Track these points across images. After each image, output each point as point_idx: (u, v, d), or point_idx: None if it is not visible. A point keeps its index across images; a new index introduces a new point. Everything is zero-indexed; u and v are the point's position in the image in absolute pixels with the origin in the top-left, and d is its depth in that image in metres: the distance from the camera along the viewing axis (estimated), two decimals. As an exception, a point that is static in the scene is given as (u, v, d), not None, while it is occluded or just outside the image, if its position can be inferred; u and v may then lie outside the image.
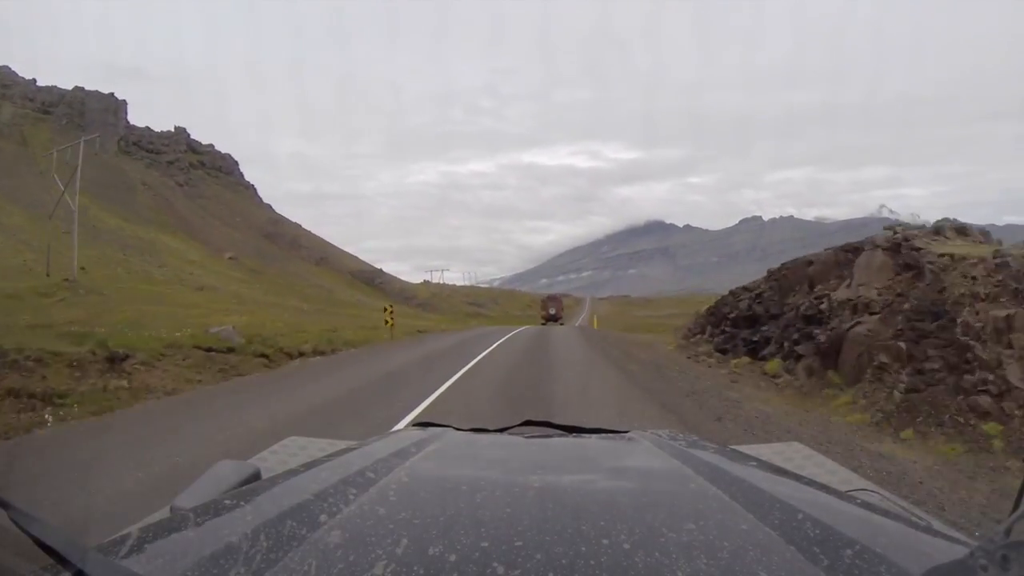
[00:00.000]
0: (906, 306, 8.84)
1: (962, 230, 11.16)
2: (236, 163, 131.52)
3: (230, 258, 77.32)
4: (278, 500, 0.86)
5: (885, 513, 0.89)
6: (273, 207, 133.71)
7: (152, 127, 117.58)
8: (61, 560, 0.57)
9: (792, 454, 1.67)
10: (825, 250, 13.31)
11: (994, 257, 8.15)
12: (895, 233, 11.17)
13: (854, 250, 12.03)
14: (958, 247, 9.51)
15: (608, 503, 0.87)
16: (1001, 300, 7.49)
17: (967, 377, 7.02)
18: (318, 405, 7.40)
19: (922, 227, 12.09)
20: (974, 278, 7.98)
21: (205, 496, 0.96)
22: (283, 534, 0.74)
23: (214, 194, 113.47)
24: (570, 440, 1.41)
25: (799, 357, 10.67)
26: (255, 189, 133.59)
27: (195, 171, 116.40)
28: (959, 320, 7.62)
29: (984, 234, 11.37)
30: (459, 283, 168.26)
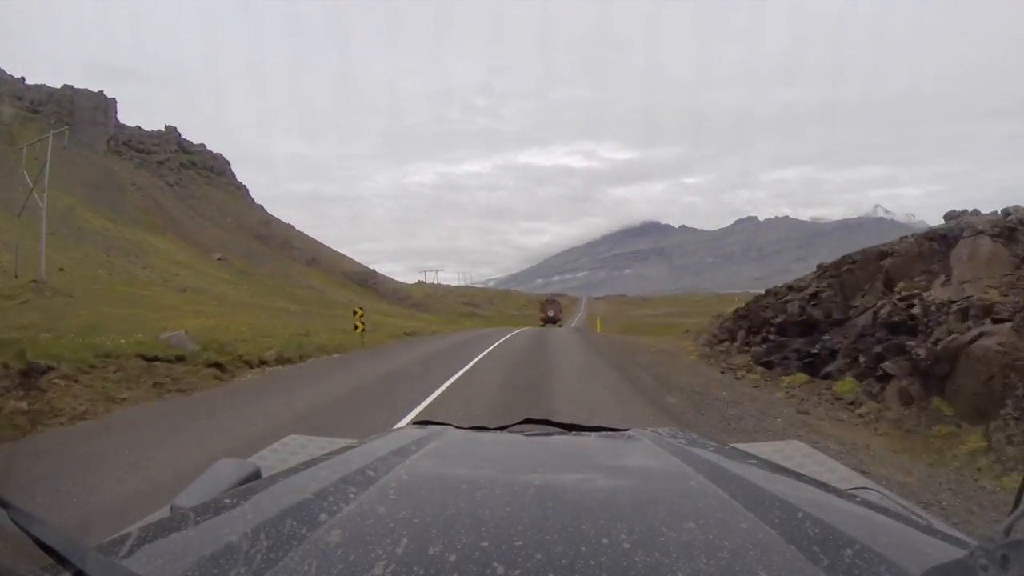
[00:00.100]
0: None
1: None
2: (228, 163, 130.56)
3: (219, 259, 76.18)
4: (278, 499, 0.85)
5: (885, 512, 0.88)
6: (265, 208, 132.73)
7: (143, 127, 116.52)
8: (61, 560, 0.58)
9: (792, 452, 1.67)
10: (903, 239, 11.15)
11: None
12: (1007, 216, 9.31)
13: (941, 238, 10.04)
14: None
15: (608, 502, 0.86)
16: None
17: None
18: (238, 450, 5.49)
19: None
20: None
21: (205, 495, 0.96)
22: (283, 533, 0.73)
23: (205, 194, 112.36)
24: (570, 438, 1.39)
25: (885, 377, 8.07)
26: (247, 189, 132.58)
27: (186, 171, 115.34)
28: None
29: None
30: (454, 283, 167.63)
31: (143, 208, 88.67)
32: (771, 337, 11.92)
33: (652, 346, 18.20)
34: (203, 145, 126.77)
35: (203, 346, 10.88)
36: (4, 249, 36.23)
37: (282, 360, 11.74)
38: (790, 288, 13.13)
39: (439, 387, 9.13)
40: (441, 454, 1.14)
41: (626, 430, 1.41)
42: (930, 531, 0.83)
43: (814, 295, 11.60)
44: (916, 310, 8.68)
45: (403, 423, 6.40)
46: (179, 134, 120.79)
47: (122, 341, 9.97)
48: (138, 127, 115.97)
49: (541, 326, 42.40)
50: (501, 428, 1.54)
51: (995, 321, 7.30)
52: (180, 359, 9.83)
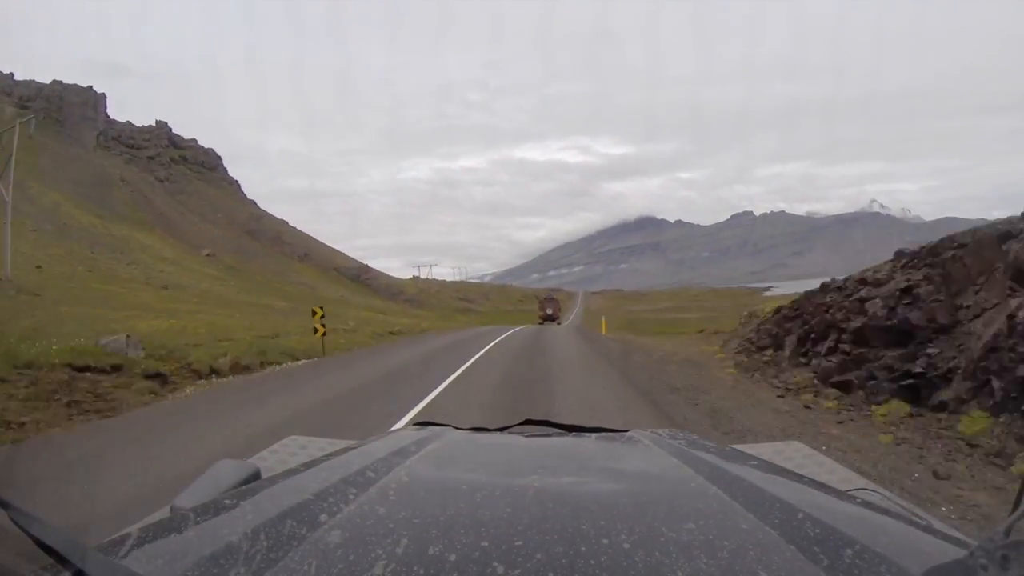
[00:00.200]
0: None
1: None
2: (219, 159, 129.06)
3: (207, 255, 74.90)
4: (278, 500, 0.85)
5: (885, 512, 0.88)
6: (259, 203, 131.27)
7: (134, 122, 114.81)
8: (61, 560, 0.58)
9: (792, 453, 1.66)
10: (1031, 215, 7.91)
11: None
12: None
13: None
14: None
15: (608, 503, 0.86)
16: None
17: None
18: (140, 498, 3.95)
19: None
20: None
21: (205, 496, 0.95)
22: (283, 534, 0.73)
23: (195, 190, 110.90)
24: (570, 439, 1.37)
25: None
26: (239, 185, 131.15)
27: (176, 166, 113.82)
28: None
29: None
30: (449, 278, 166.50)
31: (132, 204, 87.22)
32: (844, 347, 9.11)
33: (671, 352, 15.14)
34: (194, 140, 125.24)
35: (148, 352, 9.94)
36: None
37: (238, 368, 10.73)
38: (862, 282, 10.04)
39: (436, 389, 8.48)
40: (441, 455, 1.14)
41: (626, 431, 1.42)
42: (930, 531, 0.83)
43: (908, 290, 8.52)
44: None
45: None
46: (170, 129, 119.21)
47: (54, 347, 9.00)
48: (128, 122, 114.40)
49: (540, 323, 43.96)
50: (501, 429, 1.54)
51: None
52: (116, 368, 8.87)
